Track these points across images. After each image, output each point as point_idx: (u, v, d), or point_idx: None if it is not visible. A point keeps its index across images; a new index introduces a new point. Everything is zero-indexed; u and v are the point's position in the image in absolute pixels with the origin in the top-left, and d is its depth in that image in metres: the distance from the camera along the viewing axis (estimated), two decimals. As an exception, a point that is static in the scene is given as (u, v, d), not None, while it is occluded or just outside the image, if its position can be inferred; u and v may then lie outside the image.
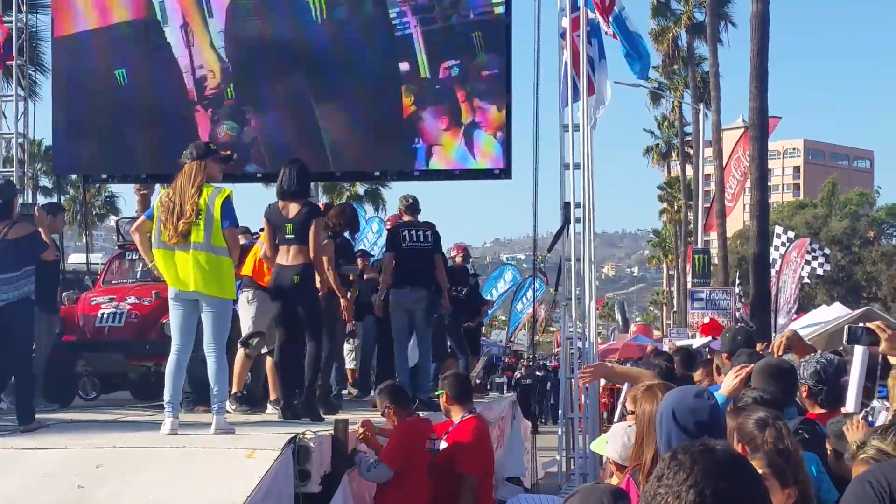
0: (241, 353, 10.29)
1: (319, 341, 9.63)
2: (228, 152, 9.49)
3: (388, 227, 16.11)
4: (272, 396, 10.30)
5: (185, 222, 8.26)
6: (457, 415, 8.75)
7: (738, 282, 41.39)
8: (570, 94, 14.24)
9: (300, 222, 9.53)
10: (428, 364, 12.52)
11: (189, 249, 8.31)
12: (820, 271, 32.43)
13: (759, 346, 9.70)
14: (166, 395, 8.34)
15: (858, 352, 5.62)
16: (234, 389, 10.13)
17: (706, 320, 28.18)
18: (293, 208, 9.63)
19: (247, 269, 10.39)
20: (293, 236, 9.55)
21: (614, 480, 5.20)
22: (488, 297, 33.04)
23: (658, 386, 5.19)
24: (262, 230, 10.33)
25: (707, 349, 18.64)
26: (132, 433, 8.35)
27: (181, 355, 8.48)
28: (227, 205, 8.43)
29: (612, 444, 5.51)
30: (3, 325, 9.10)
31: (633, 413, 5.37)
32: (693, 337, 31.62)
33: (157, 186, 13.40)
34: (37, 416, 9.07)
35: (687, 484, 2.52)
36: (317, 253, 9.51)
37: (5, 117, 16.10)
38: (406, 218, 12.56)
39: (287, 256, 9.55)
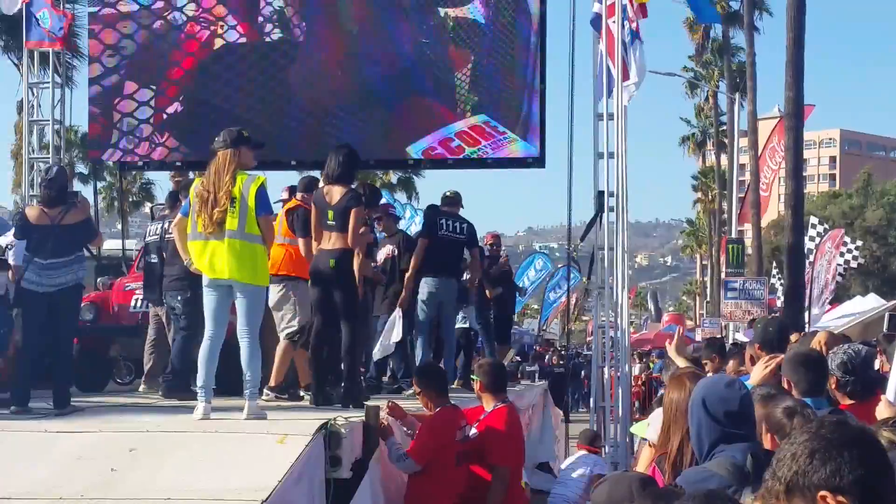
0: (284, 344, 10.37)
1: (355, 328, 9.66)
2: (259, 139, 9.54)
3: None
4: (303, 383, 10.35)
5: (220, 211, 8.28)
6: (489, 403, 8.75)
7: (773, 272, 41.16)
8: (604, 84, 14.18)
9: (341, 209, 9.56)
10: (452, 356, 12.59)
11: (224, 238, 8.34)
12: (854, 264, 32.23)
13: (793, 337, 9.64)
14: (199, 381, 8.40)
15: None
16: (274, 382, 10.24)
17: (738, 311, 28.11)
18: (336, 194, 9.65)
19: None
20: (334, 223, 9.58)
21: (643, 466, 5.20)
22: (520, 286, 33.04)
23: (686, 374, 5.18)
24: None
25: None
26: (165, 417, 8.42)
27: (214, 341, 8.53)
28: (262, 192, 8.46)
29: (654, 426, 5.52)
30: (53, 309, 9.21)
31: None
32: (726, 327, 31.53)
33: (192, 174, 13.47)
34: (72, 401, 9.18)
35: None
36: (353, 241, 9.55)
37: (41, 105, 16.21)
38: (444, 208, 12.57)
39: (328, 242, 9.60)
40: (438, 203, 12.71)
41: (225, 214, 8.30)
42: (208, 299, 8.58)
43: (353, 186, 9.92)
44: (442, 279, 12.12)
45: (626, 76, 14.05)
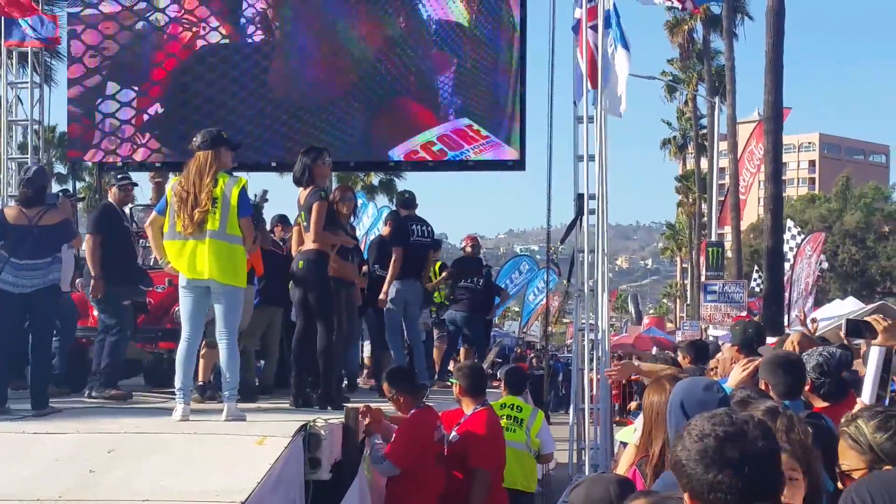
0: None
1: (331, 329, 9.66)
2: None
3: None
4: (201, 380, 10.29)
5: (202, 211, 8.27)
6: (469, 406, 8.74)
7: (754, 276, 41.30)
8: (584, 87, 14.20)
9: (307, 209, 9.68)
10: (421, 356, 12.70)
11: (204, 238, 8.33)
12: (825, 265, 32.40)
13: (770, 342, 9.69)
14: (177, 382, 8.39)
15: (875, 346, 5.63)
16: (201, 380, 10.23)
17: (718, 314, 28.20)
18: (302, 196, 9.76)
19: None
20: (306, 223, 9.69)
21: (623, 469, 5.21)
22: (500, 287, 33.08)
23: (666, 377, 5.19)
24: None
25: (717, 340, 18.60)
26: (144, 419, 8.39)
27: (191, 342, 8.53)
28: (244, 194, 8.48)
29: (640, 430, 5.53)
30: (29, 311, 9.17)
31: None
32: (706, 330, 31.62)
33: (171, 175, 13.43)
34: (50, 402, 9.15)
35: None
36: (315, 236, 9.59)
37: (21, 103, 16.13)
38: (404, 212, 12.74)
39: (304, 243, 9.71)
40: (393, 205, 12.96)
41: (206, 215, 8.30)
42: (185, 301, 8.55)
43: (312, 187, 9.90)
44: (408, 281, 12.34)
45: (593, 83, 14.00)
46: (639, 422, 5.70)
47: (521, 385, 11.24)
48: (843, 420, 4.13)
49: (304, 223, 9.75)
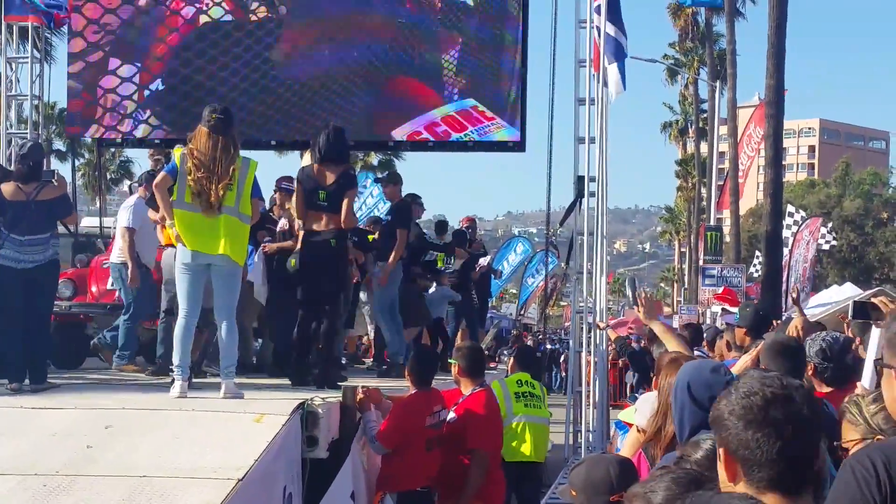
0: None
1: (337, 310, 9.65)
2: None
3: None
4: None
5: (224, 186, 8.34)
6: (467, 387, 8.72)
7: (753, 261, 41.31)
8: (588, 68, 14.17)
9: (336, 190, 9.54)
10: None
11: (220, 214, 8.38)
12: (826, 247, 32.38)
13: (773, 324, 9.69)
14: (175, 359, 8.38)
15: (875, 329, 5.61)
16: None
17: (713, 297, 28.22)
18: (329, 175, 9.62)
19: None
20: (326, 203, 9.56)
21: (629, 451, 5.20)
22: (499, 269, 33.13)
23: (683, 358, 5.18)
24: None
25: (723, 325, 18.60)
26: (142, 395, 8.40)
27: (189, 319, 8.51)
28: (256, 177, 8.62)
29: (641, 410, 5.52)
30: (29, 286, 9.15)
31: None
32: (703, 314, 31.65)
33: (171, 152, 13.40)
34: (48, 377, 9.15)
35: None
36: (347, 222, 9.55)
37: (19, 81, 16.09)
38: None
39: (320, 223, 9.57)
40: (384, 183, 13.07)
41: (226, 191, 8.35)
42: (184, 277, 8.53)
43: (346, 167, 9.86)
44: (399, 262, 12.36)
45: (596, 66, 13.99)
46: (640, 401, 5.69)
47: (532, 362, 11.42)
48: (845, 401, 4.15)
49: (322, 202, 9.61)
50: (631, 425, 5.75)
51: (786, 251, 27.72)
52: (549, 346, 38.58)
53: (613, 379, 21.24)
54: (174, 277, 8.80)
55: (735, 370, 5.42)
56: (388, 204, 13.87)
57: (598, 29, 14.10)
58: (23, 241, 9.08)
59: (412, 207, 12.94)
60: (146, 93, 14.43)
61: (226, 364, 8.42)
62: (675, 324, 29.18)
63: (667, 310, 54.34)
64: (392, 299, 12.30)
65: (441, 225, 16.78)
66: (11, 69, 15.99)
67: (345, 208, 9.50)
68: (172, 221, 8.53)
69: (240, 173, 8.45)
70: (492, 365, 16.43)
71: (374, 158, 49.31)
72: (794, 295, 17.63)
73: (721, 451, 2.94)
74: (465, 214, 18.07)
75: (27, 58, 15.83)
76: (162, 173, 8.69)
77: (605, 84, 14.37)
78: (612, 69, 14.38)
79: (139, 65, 14.45)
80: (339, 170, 9.65)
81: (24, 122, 15.91)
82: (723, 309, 25.86)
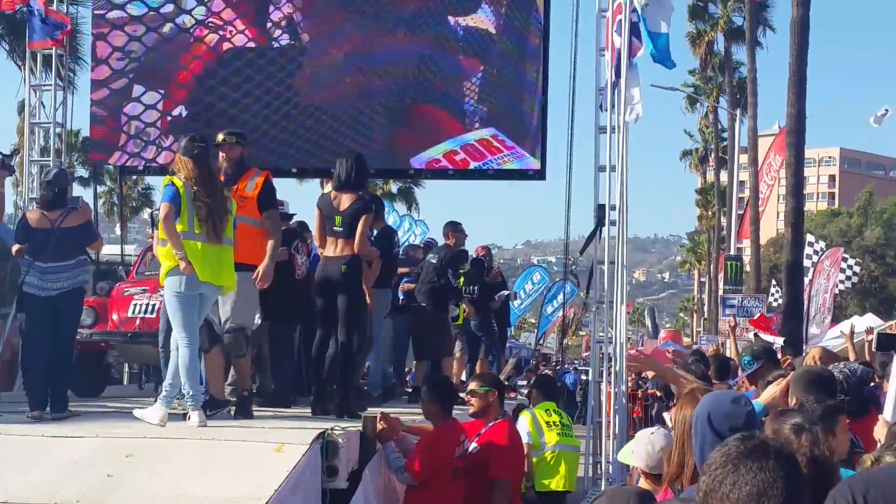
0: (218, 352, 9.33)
1: (353, 337, 9.61)
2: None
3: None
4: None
5: (226, 216, 8.51)
6: (490, 417, 8.71)
7: (772, 290, 41.12)
8: (608, 95, 14.14)
9: (350, 216, 9.55)
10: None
11: (224, 245, 8.50)
12: (848, 284, 32.21)
13: (784, 359, 9.66)
14: (187, 389, 8.28)
15: None
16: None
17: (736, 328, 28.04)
18: (345, 201, 9.64)
19: None
20: (341, 229, 9.57)
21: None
22: (515, 292, 33.07)
23: (700, 390, 5.14)
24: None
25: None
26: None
27: (194, 348, 8.45)
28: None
29: (637, 452, 5.51)
30: (54, 313, 9.17)
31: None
32: (723, 345, 31.47)
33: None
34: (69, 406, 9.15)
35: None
36: (360, 248, 9.52)
37: (44, 107, 16.18)
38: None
39: (334, 248, 9.58)
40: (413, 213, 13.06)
41: (227, 222, 8.55)
42: (187, 305, 8.44)
43: (361, 193, 9.88)
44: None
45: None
46: (635, 440, 5.68)
47: (555, 391, 11.39)
48: (866, 462, 4.10)
49: (338, 228, 9.62)
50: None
51: (806, 280, 27.57)
52: (584, 378, 38.30)
53: (636, 410, 21.10)
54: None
55: (762, 401, 5.37)
56: (424, 232, 14.00)
57: (619, 51, 14.00)
58: (46, 269, 9.11)
59: (394, 236, 12.87)
60: (169, 119, 14.51)
61: (187, 391, 8.31)
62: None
63: (686, 340, 54.09)
64: (376, 326, 12.15)
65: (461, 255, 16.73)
66: (35, 96, 16.09)
67: (358, 234, 9.51)
68: (183, 253, 8.32)
69: (229, 203, 8.62)
70: (511, 395, 16.37)
71: (394, 186, 49.33)
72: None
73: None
74: (484, 243, 18.06)
75: (50, 85, 15.93)
76: (166, 204, 8.38)
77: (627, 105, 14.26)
78: (636, 93, 14.30)
79: (163, 91, 14.54)
80: (355, 196, 9.68)
81: (48, 149, 15.99)
82: (755, 335, 25.69)
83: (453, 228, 14.06)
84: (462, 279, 14.64)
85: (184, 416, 8.34)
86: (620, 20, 13.64)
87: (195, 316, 8.50)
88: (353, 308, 9.59)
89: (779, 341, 19.74)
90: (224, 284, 8.57)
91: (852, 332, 14.20)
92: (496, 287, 16.46)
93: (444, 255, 13.55)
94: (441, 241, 14.51)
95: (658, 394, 20.87)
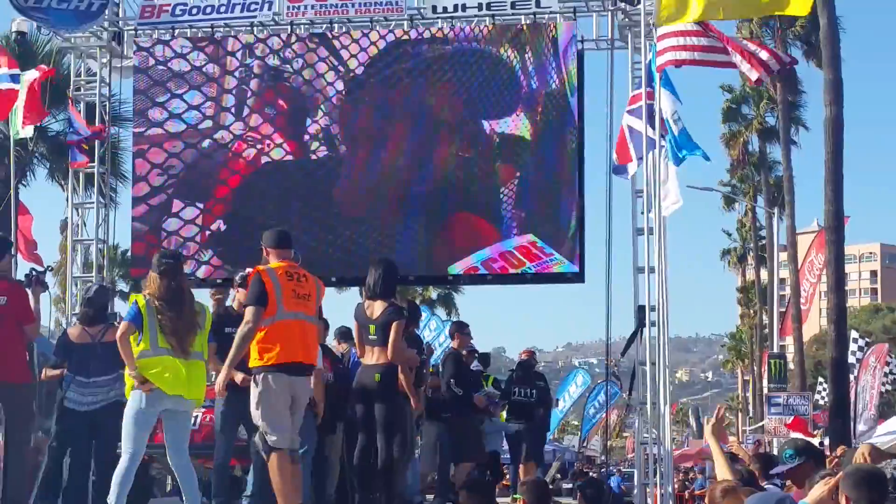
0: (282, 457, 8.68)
1: (395, 445, 9.57)
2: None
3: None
4: None
5: (193, 331, 8.53)
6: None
7: (819, 388, 40.63)
8: (645, 195, 14.18)
9: (383, 324, 9.59)
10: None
11: (192, 359, 8.51)
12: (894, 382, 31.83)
13: (831, 457, 9.51)
14: (112, 500, 8.38)
15: None
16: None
17: (783, 427, 27.70)
18: (377, 309, 9.70)
19: None
20: (375, 337, 9.63)
21: None
22: (560, 401, 32.81)
23: (741, 489, 5.09)
24: None
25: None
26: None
27: (133, 462, 8.50)
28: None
29: None
30: (94, 428, 9.21)
31: None
32: (770, 443, 31.03)
33: (231, 291, 13.50)
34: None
35: None
36: (395, 355, 9.53)
37: (85, 224, 16.40)
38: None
39: (371, 357, 9.62)
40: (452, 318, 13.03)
41: (194, 336, 8.57)
42: (144, 419, 8.50)
43: (392, 300, 9.93)
44: None
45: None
46: None
47: (602, 498, 11.13)
48: None
49: (373, 336, 9.66)
50: None
51: (851, 378, 27.25)
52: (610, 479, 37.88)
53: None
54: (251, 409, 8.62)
55: (810, 501, 5.29)
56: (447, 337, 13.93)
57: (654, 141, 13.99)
58: (87, 383, 9.20)
59: (420, 343, 12.78)
60: (208, 233, 14.66)
61: None
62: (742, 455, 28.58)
63: (732, 439, 53.42)
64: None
65: (483, 358, 16.52)
66: (77, 214, 16.32)
67: (391, 341, 9.54)
68: (136, 372, 8.37)
69: (200, 318, 8.63)
70: (556, 499, 16.18)
71: (434, 292, 49.38)
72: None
73: None
74: (525, 346, 18.02)
75: (93, 203, 16.16)
76: (125, 322, 8.50)
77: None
78: (672, 181, 14.30)
79: (202, 206, 14.73)
80: (386, 304, 9.74)
81: (90, 265, 16.17)
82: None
83: (459, 329, 13.98)
84: (491, 379, 14.59)
85: None
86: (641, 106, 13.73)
87: (146, 433, 8.56)
88: (391, 415, 9.58)
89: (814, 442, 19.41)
90: (195, 398, 8.62)
91: None
92: (474, 374, 15.85)
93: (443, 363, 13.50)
94: (489, 346, 14.49)
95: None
